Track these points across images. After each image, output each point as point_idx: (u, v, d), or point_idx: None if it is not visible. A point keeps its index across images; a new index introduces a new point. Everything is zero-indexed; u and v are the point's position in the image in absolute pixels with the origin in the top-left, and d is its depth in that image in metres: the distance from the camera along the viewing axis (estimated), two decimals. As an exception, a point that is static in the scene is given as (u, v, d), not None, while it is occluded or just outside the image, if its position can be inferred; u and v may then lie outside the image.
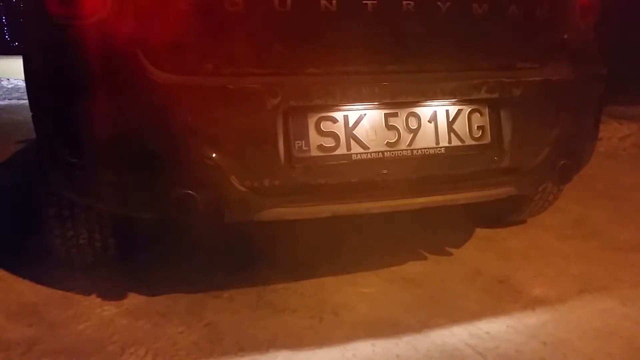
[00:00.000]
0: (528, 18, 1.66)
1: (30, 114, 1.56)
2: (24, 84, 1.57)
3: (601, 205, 2.69)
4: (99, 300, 1.75)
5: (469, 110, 1.61)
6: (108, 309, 1.69)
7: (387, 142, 1.53)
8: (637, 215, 2.54)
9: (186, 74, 1.39)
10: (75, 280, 1.84)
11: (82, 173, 1.46)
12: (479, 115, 1.62)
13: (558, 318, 1.64)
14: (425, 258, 2.07)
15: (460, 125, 1.60)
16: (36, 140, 1.62)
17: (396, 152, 1.53)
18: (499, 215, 2.34)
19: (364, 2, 1.46)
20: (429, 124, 1.56)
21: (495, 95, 1.60)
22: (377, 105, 1.51)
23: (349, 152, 1.50)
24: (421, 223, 2.36)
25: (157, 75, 1.37)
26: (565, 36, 1.75)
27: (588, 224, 2.44)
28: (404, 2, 1.50)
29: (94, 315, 1.66)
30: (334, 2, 1.44)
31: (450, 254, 2.10)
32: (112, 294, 1.77)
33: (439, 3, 1.53)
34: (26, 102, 1.62)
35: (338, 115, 1.49)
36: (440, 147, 1.57)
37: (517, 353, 1.46)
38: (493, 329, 1.58)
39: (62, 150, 1.47)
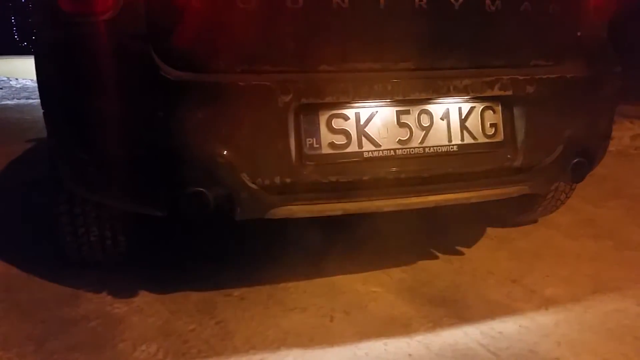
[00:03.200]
0: (541, 15, 1.64)
1: (41, 112, 1.57)
2: (33, 84, 1.58)
3: (613, 205, 2.66)
4: (109, 297, 1.75)
5: (482, 107, 1.59)
6: (119, 307, 1.69)
7: (399, 139, 1.52)
8: (650, 215, 2.52)
9: (198, 71, 1.39)
10: (86, 278, 1.84)
11: (94, 170, 1.47)
12: (492, 112, 1.60)
13: (571, 318, 1.62)
14: (436, 257, 2.06)
15: (473, 123, 1.58)
16: (47, 137, 1.63)
17: (408, 149, 1.52)
18: (511, 214, 2.32)
19: None
20: (441, 121, 1.55)
21: (509, 93, 1.58)
22: (388, 103, 1.51)
23: (360, 150, 1.49)
24: (431, 222, 2.35)
25: (169, 72, 1.37)
26: (579, 33, 1.73)
27: (600, 223, 2.42)
28: (417, -1, 1.49)
29: (105, 312, 1.66)
30: (345, -1, 1.43)
31: (462, 254, 2.09)
32: (123, 291, 1.77)
33: (451, -1, 1.52)
34: (35, 101, 1.63)
35: (349, 112, 1.48)
36: (453, 145, 1.56)
37: (531, 353, 1.45)
38: (506, 328, 1.56)
39: (74, 148, 1.48)
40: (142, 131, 1.40)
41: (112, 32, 1.37)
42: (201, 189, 1.38)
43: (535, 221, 2.41)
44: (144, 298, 1.75)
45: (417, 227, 2.32)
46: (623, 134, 3.81)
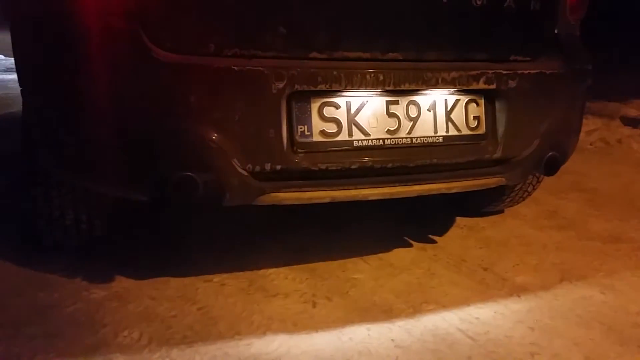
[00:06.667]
0: (523, 11, 1.69)
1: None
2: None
3: (573, 197, 2.79)
4: (85, 283, 1.70)
5: (466, 100, 1.64)
6: (96, 292, 1.65)
7: (388, 129, 1.54)
8: (607, 207, 2.65)
9: (189, 53, 1.36)
10: (59, 263, 1.79)
11: (77, 153, 1.43)
12: (475, 105, 1.65)
13: (542, 305, 1.69)
14: (410, 245, 2.10)
15: (458, 115, 1.62)
16: (23, 116, 1.57)
17: (396, 139, 1.55)
18: (479, 204, 2.39)
19: None
20: (428, 112, 1.59)
21: (492, 87, 1.63)
22: (379, 93, 1.52)
23: (350, 139, 1.51)
24: (403, 211, 2.40)
25: (159, 54, 1.33)
26: (556, 31, 1.80)
27: (562, 215, 2.53)
28: (408, -9, 1.50)
29: (82, 298, 1.62)
30: (339, -13, 1.43)
31: (434, 242, 2.14)
32: (99, 276, 1.73)
33: (440, -7, 1.54)
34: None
35: (341, 101, 1.49)
36: (438, 136, 1.60)
37: (507, 338, 1.51)
38: (482, 314, 1.62)
39: (56, 129, 1.43)
40: (129, 114, 1.37)
41: (100, 10, 1.32)
42: (190, 174, 1.37)
43: (501, 211, 2.50)
44: (121, 283, 1.71)
45: (388, 215, 2.36)
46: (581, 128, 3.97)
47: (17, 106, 1.58)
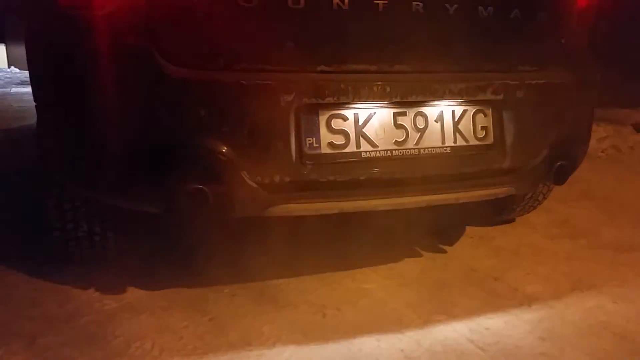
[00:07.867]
0: (530, 22, 1.70)
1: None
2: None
3: (585, 206, 2.77)
4: (97, 294, 1.73)
5: (474, 111, 1.64)
6: (108, 303, 1.68)
7: (396, 140, 1.55)
8: (619, 216, 2.63)
9: (199, 68, 1.38)
10: (72, 274, 1.82)
11: (90, 167, 1.45)
12: (482, 116, 1.65)
13: (553, 314, 1.69)
14: (420, 255, 2.10)
15: (465, 126, 1.63)
16: (38, 131, 1.60)
17: (404, 150, 1.56)
18: (490, 214, 2.39)
19: (375, 1, 1.48)
20: (435, 123, 1.60)
21: (500, 97, 1.64)
22: (386, 104, 1.54)
23: (358, 150, 1.52)
24: (413, 221, 2.40)
25: (170, 69, 1.36)
26: (563, 40, 1.80)
27: (574, 223, 2.51)
28: (414, 3, 1.52)
29: (95, 309, 1.65)
30: (346, 1, 1.45)
31: (445, 252, 2.14)
32: (112, 288, 1.76)
33: (446, 5, 1.56)
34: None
35: (348, 113, 1.51)
36: (446, 147, 1.61)
37: (517, 348, 1.51)
38: (492, 324, 1.62)
39: (69, 143, 1.46)
40: (141, 128, 1.39)
41: (111, 27, 1.35)
42: (201, 187, 1.38)
43: (512, 220, 2.49)
44: (133, 294, 1.74)
45: (398, 225, 2.36)
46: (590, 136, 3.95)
47: (32, 119, 1.61)
